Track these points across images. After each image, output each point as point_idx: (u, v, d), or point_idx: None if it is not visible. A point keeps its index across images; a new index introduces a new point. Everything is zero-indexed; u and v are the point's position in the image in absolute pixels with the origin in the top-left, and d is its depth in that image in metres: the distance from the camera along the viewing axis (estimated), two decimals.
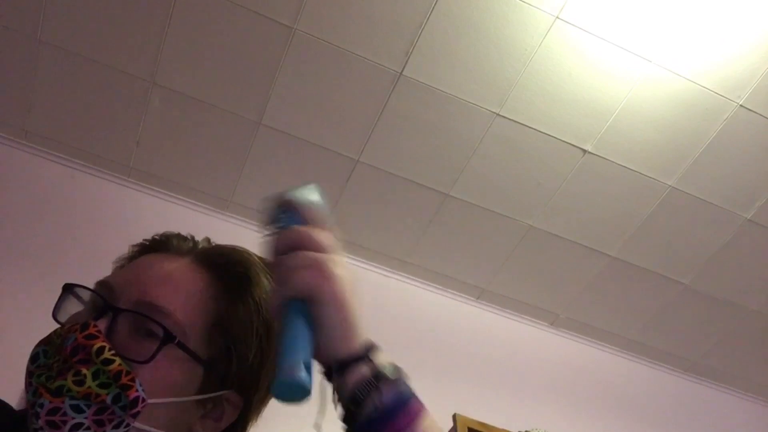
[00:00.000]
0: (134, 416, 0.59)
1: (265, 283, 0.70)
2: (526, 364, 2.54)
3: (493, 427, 2.11)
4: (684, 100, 2.05)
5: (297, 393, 0.53)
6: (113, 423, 0.58)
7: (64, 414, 0.57)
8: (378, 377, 0.55)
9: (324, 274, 0.57)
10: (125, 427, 0.59)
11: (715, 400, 2.84)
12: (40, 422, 0.57)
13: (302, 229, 0.59)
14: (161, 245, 0.71)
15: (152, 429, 0.61)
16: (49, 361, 0.60)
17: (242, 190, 2.28)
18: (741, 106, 2.04)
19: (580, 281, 2.52)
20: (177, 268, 0.68)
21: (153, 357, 0.60)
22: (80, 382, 0.58)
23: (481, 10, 1.88)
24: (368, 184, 2.26)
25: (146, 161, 2.22)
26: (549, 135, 2.13)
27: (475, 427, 2.08)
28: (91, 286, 0.67)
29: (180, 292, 0.65)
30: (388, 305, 2.43)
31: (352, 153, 2.19)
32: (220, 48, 1.97)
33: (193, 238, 0.74)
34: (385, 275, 2.49)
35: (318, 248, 0.58)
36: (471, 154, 2.18)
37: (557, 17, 1.88)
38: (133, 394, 0.59)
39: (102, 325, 0.61)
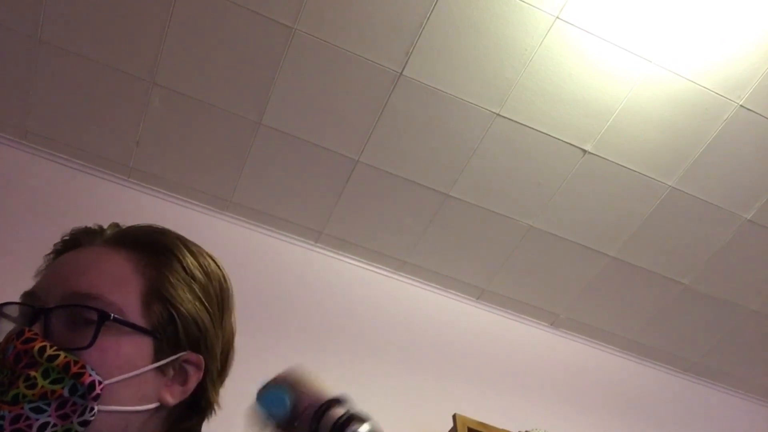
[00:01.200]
0: (95, 399, 0.60)
1: (184, 247, 0.73)
2: (526, 364, 2.54)
3: (493, 427, 2.11)
4: (684, 100, 2.05)
5: (275, 402, 0.76)
6: (77, 412, 0.59)
7: (27, 419, 0.58)
8: (354, 413, 0.75)
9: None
10: (90, 412, 0.60)
11: (715, 400, 2.84)
12: None
13: None
14: (72, 243, 0.73)
15: (119, 408, 0.62)
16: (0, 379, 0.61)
17: (242, 190, 2.28)
18: (741, 106, 2.04)
19: (580, 281, 2.52)
20: (92, 254, 0.69)
21: (94, 339, 0.61)
22: (33, 385, 0.59)
23: (481, 10, 1.88)
24: (368, 184, 2.26)
25: (146, 161, 2.22)
26: (549, 135, 2.13)
27: (475, 427, 2.08)
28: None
29: (102, 274, 0.66)
30: (388, 305, 2.43)
31: (352, 153, 2.19)
32: (220, 48, 1.97)
33: (101, 227, 0.75)
34: (385, 275, 2.49)
35: None
36: (471, 154, 2.18)
37: (557, 17, 1.88)
38: (87, 380, 0.60)
39: (37, 328, 0.62)
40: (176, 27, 1.93)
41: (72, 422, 0.59)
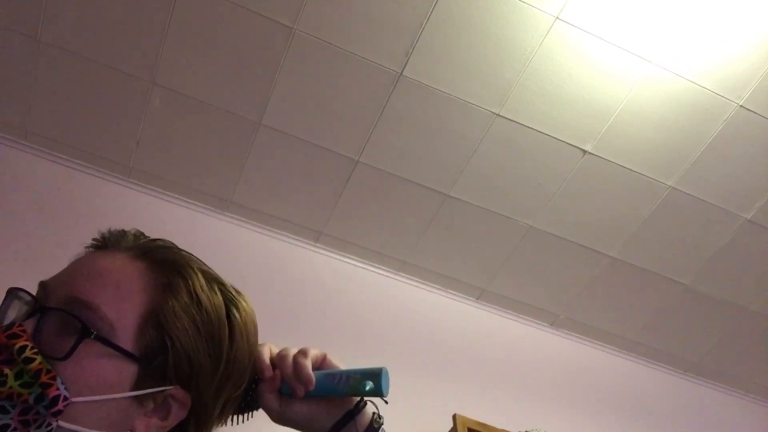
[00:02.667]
0: (55, 415, 0.58)
1: (203, 279, 0.69)
2: (526, 364, 2.54)
3: (493, 427, 2.11)
4: (684, 100, 2.05)
5: (386, 379, 0.75)
6: (37, 423, 0.57)
7: None
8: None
9: (318, 350, 0.79)
10: (47, 427, 0.58)
11: (715, 400, 2.84)
12: None
13: (265, 348, 0.78)
14: (103, 242, 0.71)
15: (81, 428, 0.60)
16: None
17: (242, 190, 2.28)
18: (741, 106, 2.04)
19: (580, 281, 2.52)
20: (109, 261, 0.66)
21: (70, 353, 0.59)
22: (2, 383, 0.57)
23: (481, 10, 1.88)
24: (368, 184, 2.26)
25: (146, 161, 2.22)
26: (549, 135, 2.13)
27: (475, 428, 2.08)
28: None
29: (108, 284, 0.64)
30: (389, 305, 2.43)
31: (352, 153, 2.19)
32: (220, 48, 1.97)
33: (139, 234, 0.72)
34: (385, 275, 2.49)
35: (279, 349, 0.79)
36: (471, 154, 2.18)
37: (557, 17, 1.88)
38: (53, 393, 0.57)
39: (29, 324, 0.60)
40: (176, 27, 1.93)
41: (29, 431, 0.57)
